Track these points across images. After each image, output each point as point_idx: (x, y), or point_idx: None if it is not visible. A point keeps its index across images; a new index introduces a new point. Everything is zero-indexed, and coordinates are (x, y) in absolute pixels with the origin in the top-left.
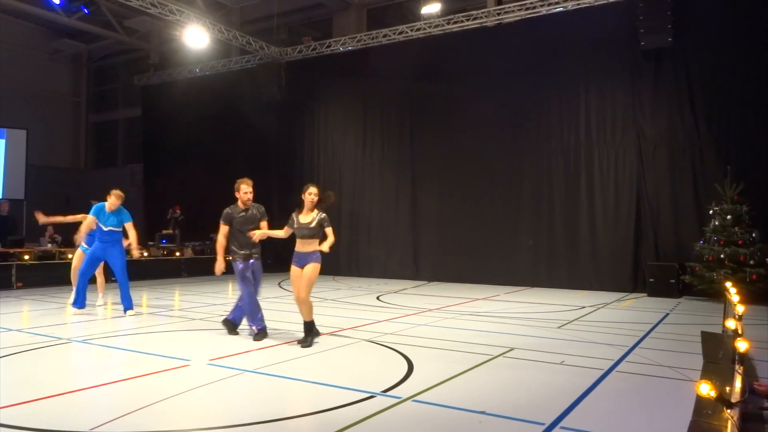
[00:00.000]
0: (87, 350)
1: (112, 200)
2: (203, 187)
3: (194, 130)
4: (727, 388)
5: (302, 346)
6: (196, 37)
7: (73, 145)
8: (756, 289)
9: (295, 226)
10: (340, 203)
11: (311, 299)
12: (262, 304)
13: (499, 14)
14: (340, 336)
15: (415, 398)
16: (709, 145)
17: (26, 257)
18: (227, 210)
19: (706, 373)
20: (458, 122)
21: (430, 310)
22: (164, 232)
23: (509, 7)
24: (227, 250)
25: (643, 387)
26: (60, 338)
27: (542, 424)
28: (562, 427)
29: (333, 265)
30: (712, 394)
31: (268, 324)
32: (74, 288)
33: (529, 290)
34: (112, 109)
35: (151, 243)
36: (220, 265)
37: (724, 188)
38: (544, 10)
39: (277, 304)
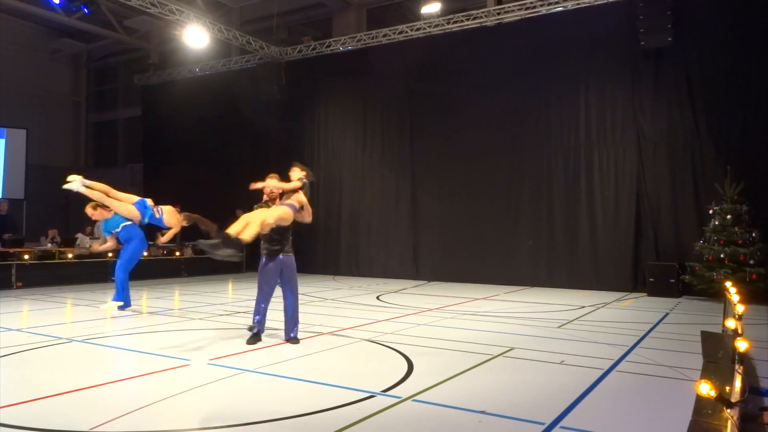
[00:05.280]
0: (87, 350)
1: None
2: (203, 186)
3: (194, 130)
4: (727, 388)
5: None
6: (195, 37)
7: (73, 145)
8: (756, 288)
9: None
10: (340, 203)
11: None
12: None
13: (499, 14)
14: (340, 336)
15: (415, 398)
16: (709, 145)
17: (26, 257)
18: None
19: (706, 373)
20: (458, 122)
21: (430, 309)
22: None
23: (509, 7)
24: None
25: (643, 387)
26: (60, 338)
27: (542, 423)
28: (562, 427)
29: (333, 265)
30: (712, 393)
31: (268, 323)
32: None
33: (529, 290)
34: (112, 108)
35: (151, 243)
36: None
37: (724, 188)
38: (543, 10)
39: (278, 303)
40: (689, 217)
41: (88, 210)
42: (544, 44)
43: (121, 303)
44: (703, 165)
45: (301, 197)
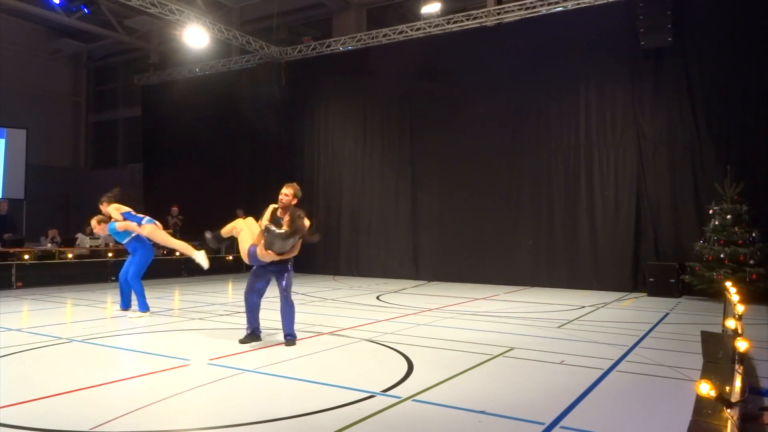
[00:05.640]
0: (87, 350)
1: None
2: (203, 186)
3: (194, 130)
4: (727, 388)
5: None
6: (195, 37)
7: (73, 145)
8: (756, 288)
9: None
10: (340, 203)
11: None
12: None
13: (499, 14)
14: (340, 336)
15: (415, 398)
16: (709, 145)
17: (26, 257)
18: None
19: (706, 373)
20: (458, 122)
21: (430, 309)
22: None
23: (509, 7)
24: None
25: (643, 387)
26: (60, 338)
27: (542, 423)
28: (562, 427)
29: (333, 265)
30: (712, 393)
31: (268, 323)
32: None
33: (529, 290)
34: (112, 108)
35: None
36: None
37: (724, 188)
38: (543, 10)
39: (276, 303)
40: (689, 217)
41: (93, 222)
42: (544, 44)
43: (148, 312)
44: (703, 165)
45: (267, 252)
